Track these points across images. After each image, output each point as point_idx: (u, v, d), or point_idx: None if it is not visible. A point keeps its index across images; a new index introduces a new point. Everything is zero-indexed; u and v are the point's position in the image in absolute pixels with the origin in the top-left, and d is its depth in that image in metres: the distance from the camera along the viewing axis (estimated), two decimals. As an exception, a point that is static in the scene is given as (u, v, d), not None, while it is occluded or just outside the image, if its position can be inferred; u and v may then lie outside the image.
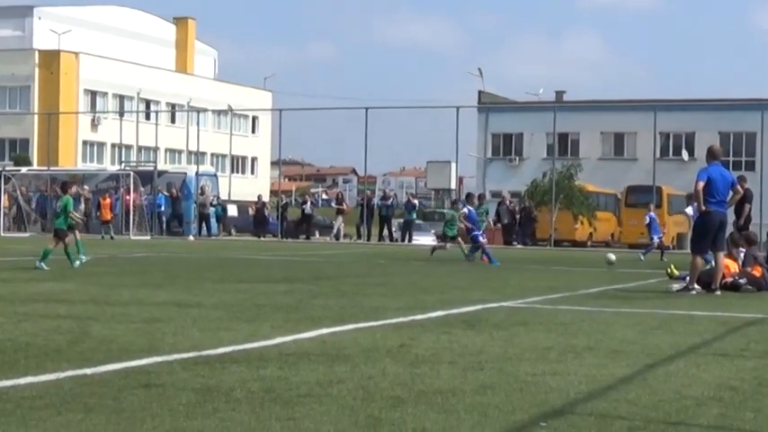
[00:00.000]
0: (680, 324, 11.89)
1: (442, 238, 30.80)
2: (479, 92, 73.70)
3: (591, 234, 52.40)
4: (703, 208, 16.90)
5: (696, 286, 16.93)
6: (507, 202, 48.56)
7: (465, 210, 28.74)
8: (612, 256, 28.19)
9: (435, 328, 10.89)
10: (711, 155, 17.43)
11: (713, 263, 17.59)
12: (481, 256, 27.75)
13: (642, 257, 31.37)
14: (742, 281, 17.52)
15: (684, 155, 64.11)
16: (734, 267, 17.91)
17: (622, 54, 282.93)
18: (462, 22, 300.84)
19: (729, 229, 18.69)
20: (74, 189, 23.16)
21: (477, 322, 11.50)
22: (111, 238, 44.56)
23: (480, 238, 28.01)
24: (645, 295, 16.70)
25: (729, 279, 17.46)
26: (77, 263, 21.50)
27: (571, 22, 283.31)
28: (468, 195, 32.05)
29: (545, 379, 7.58)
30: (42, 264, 20.73)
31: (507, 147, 71.53)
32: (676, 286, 17.61)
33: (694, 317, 12.85)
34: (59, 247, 21.27)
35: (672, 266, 20.76)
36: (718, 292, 16.73)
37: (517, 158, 70.36)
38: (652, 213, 34.02)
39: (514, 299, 15.12)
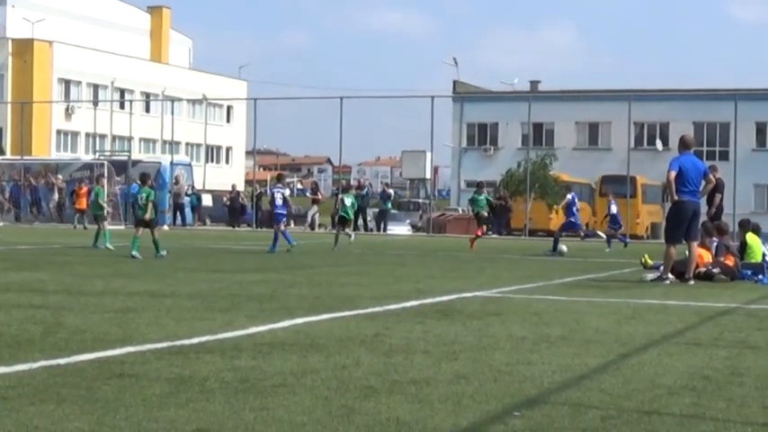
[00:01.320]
0: (653, 313, 11.94)
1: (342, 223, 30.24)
2: (454, 81, 73.75)
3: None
4: (676, 197, 16.96)
5: (670, 276, 17.00)
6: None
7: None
8: (564, 248, 28.48)
9: (410, 317, 10.90)
10: (683, 144, 17.49)
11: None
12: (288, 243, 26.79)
13: (609, 249, 31.44)
14: (715, 270, 17.62)
15: (659, 144, 64.35)
16: (707, 257, 18.00)
17: (597, 44, 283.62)
18: (437, 11, 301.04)
19: (702, 218, 18.76)
20: (149, 181, 24.28)
21: (451, 312, 11.52)
22: (84, 227, 44.35)
23: (282, 225, 27.16)
24: (619, 285, 16.76)
25: (703, 269, 17.55)
26: (163, 252, 22.27)
27: (546, 11, 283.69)
28: (479, 184, 32.37)
29: (519, 368, 7.60)
30: (135, 253, 21.82)
31: (482, 136, 71.62)
32: (650, 276, 17.68)
33: (668, 306, 12.91)
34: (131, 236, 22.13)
35: (646, 256, 20.86)
36: (692, 282, 16.82)
37: (492, 148, 70.47)
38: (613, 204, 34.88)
39: (489, 288, 15.15)
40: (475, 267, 21.19)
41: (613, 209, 34.31)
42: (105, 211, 28.86)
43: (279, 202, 27.07)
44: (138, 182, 24.49)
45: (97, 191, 29.05)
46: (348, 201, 29.44)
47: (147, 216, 22.84)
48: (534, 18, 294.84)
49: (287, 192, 28.21)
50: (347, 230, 29.72)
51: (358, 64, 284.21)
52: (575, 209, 30.13)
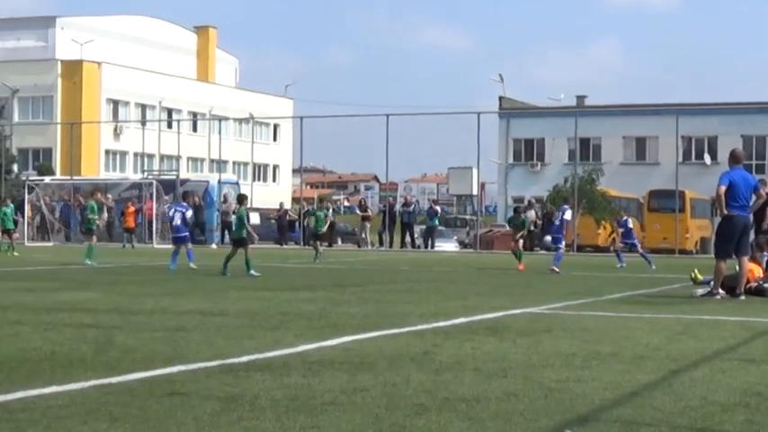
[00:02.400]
0: (705, 329, 11.84)
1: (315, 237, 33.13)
2: (500, 97, 73.67)
3: (614, 239, 52.21)
4: (725, 212, 16.83)
5: (720, 291, 16.86)
6: (536, 208, 48.31)
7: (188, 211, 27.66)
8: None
9: (459, 334, 10.88)
10: (734, 158, 17.35)
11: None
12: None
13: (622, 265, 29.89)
14: (766, 285, 17.44)
15: (707, 159, 63.89)
16: (758, 272, 17.82)
17: (644, 58, 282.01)
18: (482, 28, 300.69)
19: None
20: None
21: (500, 329, 11.49)
22: (132, 246, 44.69)
23: (187, 239, 26.67)
24: (669, 300, 16.65)
25: (754, 284, 17.38)
26: (256, 273, 22.52)
27: (592, 26, 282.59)
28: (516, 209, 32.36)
29: (569, 385, 7.56)
30: (252, 272, 22.39)
31: (529, 152, 71.46)
32: (700, 291, 17.52)
33: (719, 322, 12.80)
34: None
35: (696, 271, 20.67)
36: (743, 297, 16.66)
37: (539, 164, 70.28)
38: (628, 220, 32.56)
39: (537, 305, 15.09)
40: (523, 284, 21.12)
41: (629, 224, 32.13)
42: (96, 226, 29.44)
43: (177, 222, 26.44)
44: (237, 202, 25.09)
45: (90, 205, 29.43)
46: (321, 215, 32.45)
47: (241, 235, 23.26)
48: (580, 33, 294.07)
49: (189, 212, 27.46)
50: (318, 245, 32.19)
51: (404, 81, 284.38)
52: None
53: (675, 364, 8.82)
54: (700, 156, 65.26)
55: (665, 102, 64.03)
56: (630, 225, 32.18)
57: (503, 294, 17.66)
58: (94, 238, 28.87)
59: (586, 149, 66.26)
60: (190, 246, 26.55)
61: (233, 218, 23.77)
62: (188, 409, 6.52)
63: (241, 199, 24.63)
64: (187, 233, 26.81)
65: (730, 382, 7.79)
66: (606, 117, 65.78)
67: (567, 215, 28.07)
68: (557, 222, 28.32)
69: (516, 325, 12.04)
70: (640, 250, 31.93)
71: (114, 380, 7.57)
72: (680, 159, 51.83)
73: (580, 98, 77.38)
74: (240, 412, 6.43)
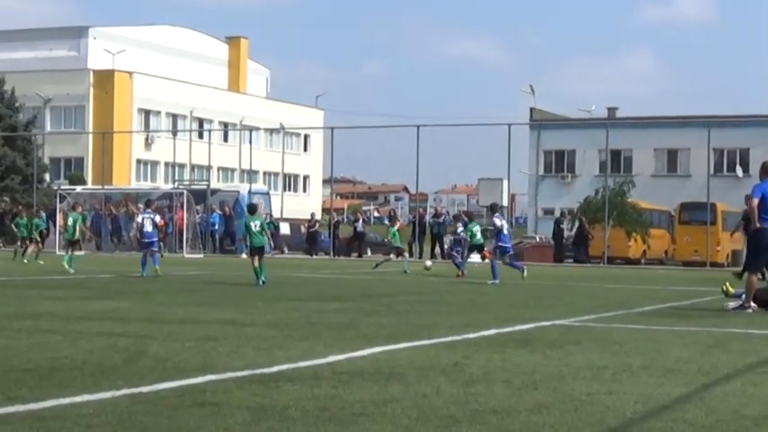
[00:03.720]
0: (736, 342, 11.77)
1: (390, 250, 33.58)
2: (531, 109, 73.57)
3: (644, 251, 52.05)
4: (758, 225, 16.73)
5: (752, 304, 16.75)
6: (567, 220, 48.13)
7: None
8: (428, 263, 30.43)
9: (489, 346, 10.86)
10: (765, 171, 17.23)
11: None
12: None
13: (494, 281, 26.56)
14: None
15: (739, 171, 63.54)
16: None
17: (675, 70, 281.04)
18: (513, 40, 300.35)
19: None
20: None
21: (530, 341, 11.46)
22: (161, 255, 44.77)
23: (156, 245, 27.09)
24: (700, 313, 16.55)
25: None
26: (263, 282, 22.85)
27: (623, 38, 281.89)
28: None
29: (600, 398, 7.53)
30: (261, 280, 22.78)
31: (559, 164, 71.30)
32: (732, 304, 17.41)
33: (751, 335, 12.72)
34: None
35: (727, 284, 20.54)
36: (775, 310, 16.55)
37: (569, 175, 70.11)
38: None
39: (568, 317, 15.05)
40: (553, 296, 21.06)
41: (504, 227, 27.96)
42: (80, 238, 29.92)
43: (148, 228, 26.86)
44: (247, 211, 25.27)
45: (76, 218, 29.68)
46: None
47: (263, 243, 23.45)
48: (611, 45, 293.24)
49: (157, 217, 27.97)
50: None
51: (434, 92, 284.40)
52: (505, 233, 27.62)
53: (707, 377, 8.77)
54: (731, 168, 64.94)
55: (697, 114, 63.63)
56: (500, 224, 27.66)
57: (532, 306, 17.63)
58: (73, 250, 29.13)
59: (617, 161, 66.05)
60: (155, 250, 26.76)
61: (254, 225, 23.57)
62: (218, 419, 6.53)
63: (253, 208, 24.89)
64: (156, 239, 27.35)
65: (762, 396, 7.74)
66: (637, 129, 65.55)
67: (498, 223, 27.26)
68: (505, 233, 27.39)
69: (546, 337, 12.00)
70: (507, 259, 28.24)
71: (145, 389, 7.59)
72: (711, 172, 51.60)
73: (611, 110, 77.14)
74: (270, 423, 6.44)
